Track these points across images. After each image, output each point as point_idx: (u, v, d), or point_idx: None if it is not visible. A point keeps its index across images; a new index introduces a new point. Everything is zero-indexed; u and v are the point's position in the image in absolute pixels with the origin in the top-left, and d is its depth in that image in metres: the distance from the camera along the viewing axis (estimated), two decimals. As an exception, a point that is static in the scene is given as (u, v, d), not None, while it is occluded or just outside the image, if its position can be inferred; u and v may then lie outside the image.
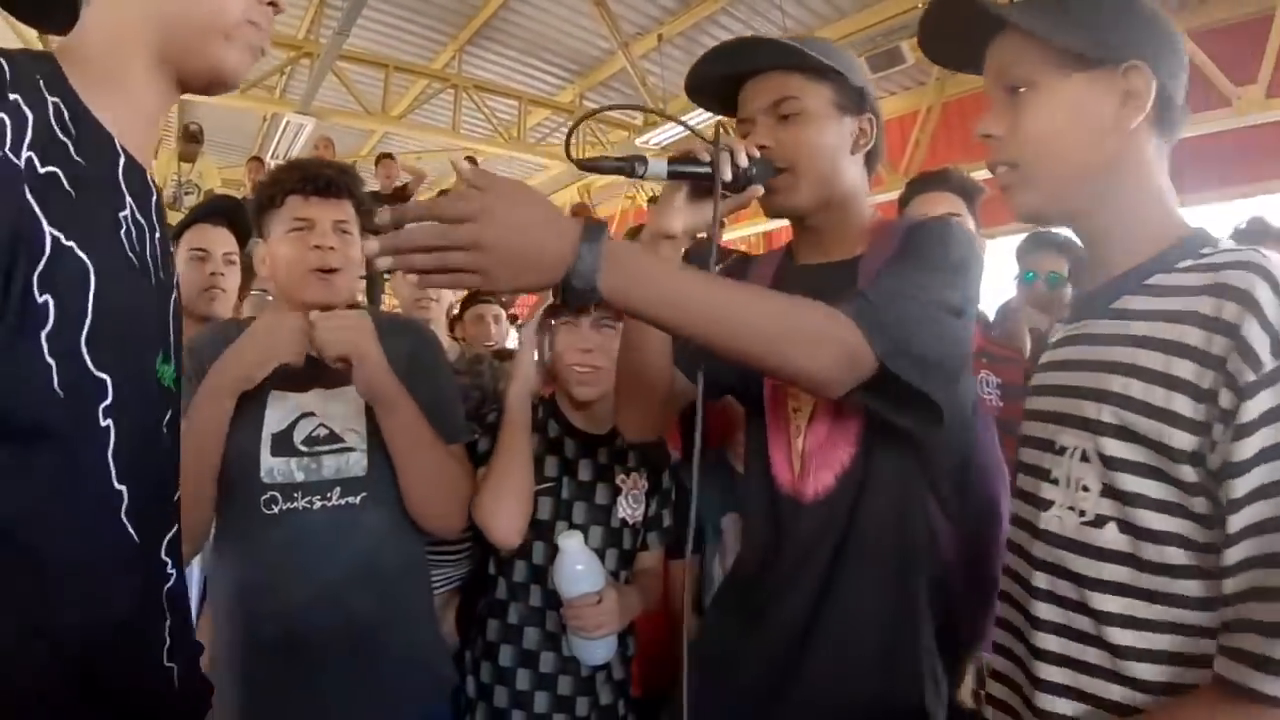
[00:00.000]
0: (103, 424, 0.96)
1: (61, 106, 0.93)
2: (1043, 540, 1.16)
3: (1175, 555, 1.02)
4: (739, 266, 1.77)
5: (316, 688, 1.70)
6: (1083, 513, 1.10)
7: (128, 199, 1.02)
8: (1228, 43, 7.36)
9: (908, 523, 1.48)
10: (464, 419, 2.02)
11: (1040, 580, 1.16)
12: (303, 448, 1.79)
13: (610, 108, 1.81)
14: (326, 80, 9.01)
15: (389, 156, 9.38)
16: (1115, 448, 1.06)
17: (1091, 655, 1.09)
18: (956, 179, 2.47)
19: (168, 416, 1.11)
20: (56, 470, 0.92)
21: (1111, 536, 1.07)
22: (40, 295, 0.87)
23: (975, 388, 1.54)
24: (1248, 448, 0.95)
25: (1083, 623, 1.10)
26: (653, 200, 10.84)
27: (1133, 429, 1.05)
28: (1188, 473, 1.01)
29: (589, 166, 1.33)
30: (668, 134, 9.94)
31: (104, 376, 0.95)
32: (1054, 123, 1.17)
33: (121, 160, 1.03)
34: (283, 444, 1.78)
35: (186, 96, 1.14)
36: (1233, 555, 0.95)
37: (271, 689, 1.71)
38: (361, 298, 3.76)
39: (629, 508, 2.07)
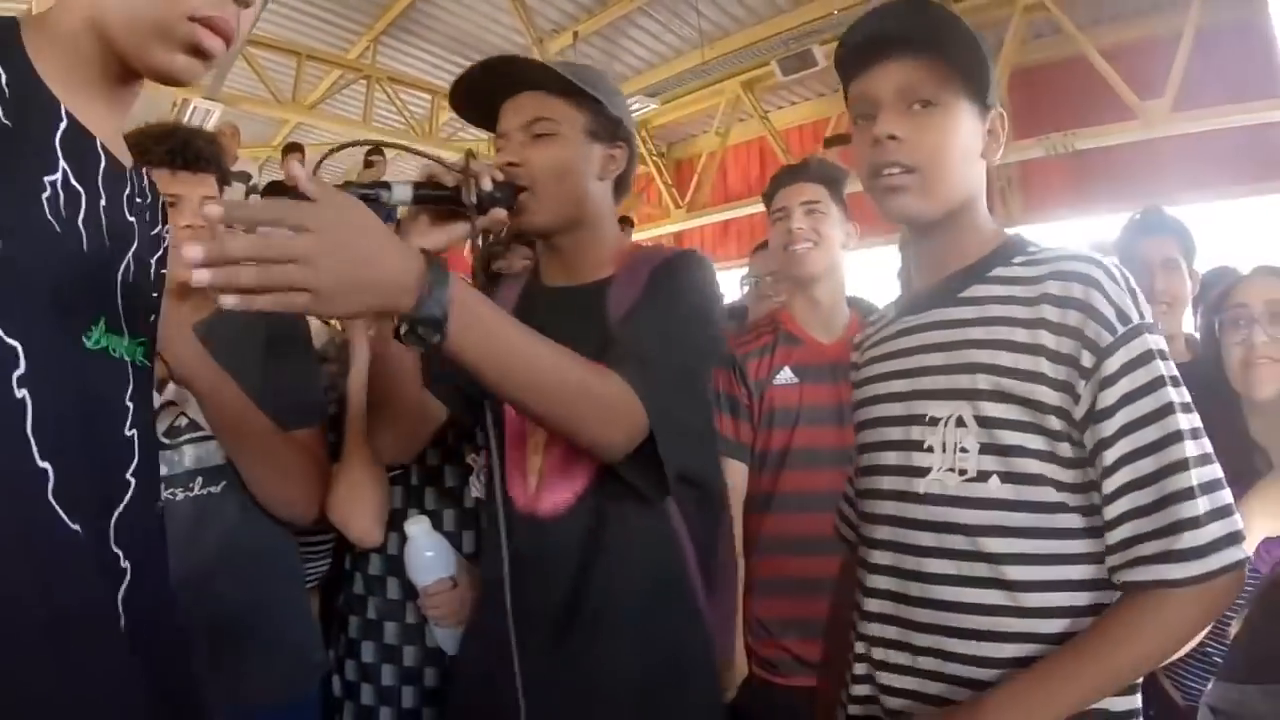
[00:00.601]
0: (17, 395, 0.89)
1: (1, 70, 0.91)
2: (924, 503, 1.30)
3: (1049, 494, 1.22)
4: (490, 284, 1.83)
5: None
6: (964, 471, 1.26)
7: (61, 164, 0.96)
8: (1137, 59, 7.61)
9: (655, 539, 1.54)
10: (320, 404, 1.99)
11: (926, 539, 1.30)
12: (165, 440, 1.75)
13: (350, 144, 1.72)
14: (237, 66, 8.82)
15: (297, 147, 9.19)
16: (992, 409, 1.24)
17: (992, 596, 1.24)
18: (817, 168, 2.52)
19: (129, 391, 1.05)
20: None
21: (995, 487, 1.24)
22: None
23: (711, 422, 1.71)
24: (1111, 395, 1.17)
25: (980, 569, 1.24)
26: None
27: (1007, 391, 1.23)
28: (1054, 422, 1.21)
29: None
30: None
31: (14, 344, 0.88)
32: (952, 140, 1.32)
33: (63, 125, 0.98)
34: None
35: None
36: (1111, 484, 1.17)
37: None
38: None
39: (481, 487, 2.02)
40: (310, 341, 2.04)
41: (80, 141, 1.00)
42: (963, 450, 1.26)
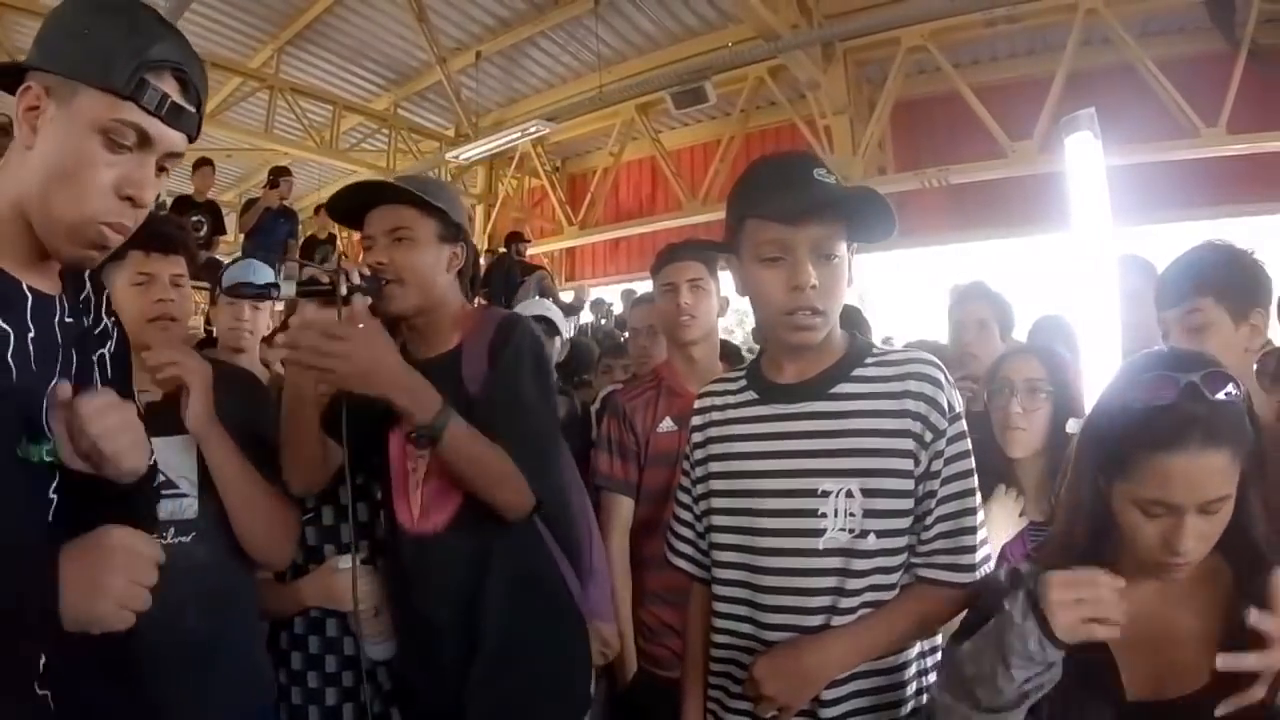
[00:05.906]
0: None
1: None
2: (822, 556, 1.63)
3: (903, 540, 1.63)
4: None
5: (151, 701, 1.80)
6: (852, 530, 1.61)
7: None
8: (1010, 101, 8.09)
9: (530, 543, 2.04)
10: None
11: (817, 582, 1.63)
12: None
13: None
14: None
15: (208, 163, 8.99)
16: (873, 482, 1.61)
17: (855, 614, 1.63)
18: (700, 250, 2.97)
19: (52, 486, 1.27)
20: None
21: (872, 541, 1.60)
22: None
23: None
24: (940, 462, 1.61)
25: (849, 602, 1.61)
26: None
27: (882, 467, 1.61)
28: (908, 484, 1.61)
29: (233, 292, 1.87)
30: (479, 149, 10.25)
31: None
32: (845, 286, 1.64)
33: None
34: None
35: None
36: (930, 518, 1.62)
37: (111, 705, 1.71)
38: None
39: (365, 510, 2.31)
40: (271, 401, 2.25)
41: (5, 289, 1.21)
42: (851, 514, 1.60)
